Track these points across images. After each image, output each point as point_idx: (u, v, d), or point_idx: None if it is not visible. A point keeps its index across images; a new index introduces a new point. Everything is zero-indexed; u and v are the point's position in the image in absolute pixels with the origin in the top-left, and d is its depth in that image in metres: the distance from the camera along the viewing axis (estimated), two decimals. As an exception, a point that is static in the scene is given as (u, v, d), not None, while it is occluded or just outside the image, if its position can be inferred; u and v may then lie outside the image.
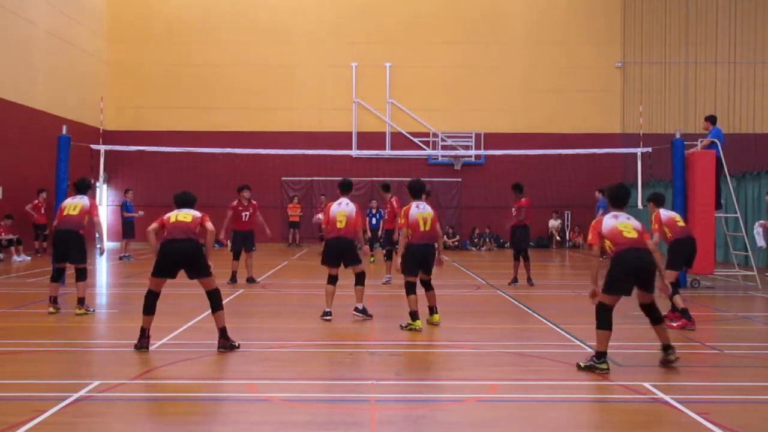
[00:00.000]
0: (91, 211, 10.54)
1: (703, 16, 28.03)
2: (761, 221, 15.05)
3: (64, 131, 14.51)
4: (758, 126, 27.58)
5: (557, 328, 9.45)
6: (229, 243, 15.05)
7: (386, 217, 15.12)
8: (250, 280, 14.41)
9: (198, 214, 8.34)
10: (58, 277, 10.63)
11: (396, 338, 8.83)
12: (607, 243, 7.43)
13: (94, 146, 16.83)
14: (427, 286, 9.69)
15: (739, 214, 15.05)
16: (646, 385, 6.52)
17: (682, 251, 10.09)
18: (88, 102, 25.65)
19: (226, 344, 7.98)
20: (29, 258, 19.54)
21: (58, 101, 23.66)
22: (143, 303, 8.06)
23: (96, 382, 6.48)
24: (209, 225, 8.28)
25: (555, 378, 6.95)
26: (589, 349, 8.09)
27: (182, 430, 5.41)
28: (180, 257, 8.00)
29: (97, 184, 19.47)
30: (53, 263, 11.21)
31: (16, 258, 19.26)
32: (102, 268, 17.86)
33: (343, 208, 10.27)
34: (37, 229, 21.00)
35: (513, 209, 14.84)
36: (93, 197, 11.00)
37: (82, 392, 6.16)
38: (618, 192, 7.70)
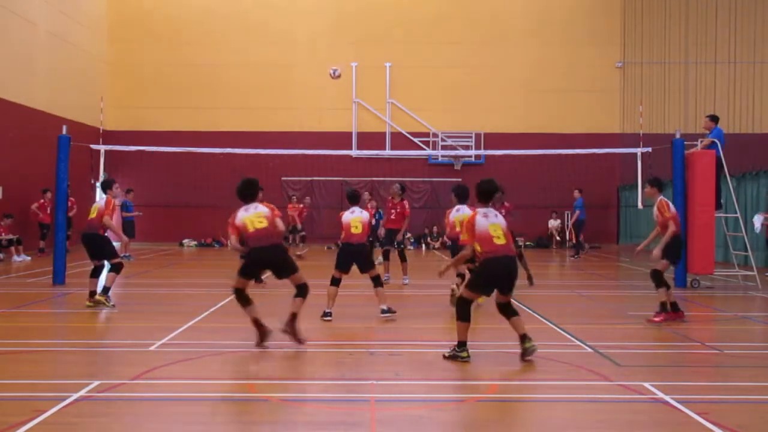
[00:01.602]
0: (103, 210, 10.99)
1: (703, 16, 28.03)
2: (762, 212, 15.15)
3: (64, 131, 14.51)
4: (758, 126, 27.58)
5: (557, 328, 9.45)
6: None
7: (393, 216, 15.05)
8: (258, 281, 14.40)
9: (268, 212, 8.34)
10: (95, 273, 11.15)
11: (396, 338, 8.83)
12: (476, 244, 7.62)
13: (94, 146, 16.84)
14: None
15: (739, 214, 15.05)
16: (646, 385, 6.52)
17: (679, 247, 10.21)
18: (88, 102, 25.65)
19: (289, 331, 8.16)
20: (29, 258, 19.54)
21: (58, 101, 23.66)
22: (238, 302, 8.23)
23: (96, 382, 6.48)
24: (280, 224, 8.35)
25: (555, 378, 6.95)
26: (589, 349, 8.11)
27: (182, 430, 5.41)
28: (268, 263, 8.37)
29: (97, 184, 19.45)
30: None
31: (16, 258, 19.26)
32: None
33: (357, 215, 10.53)
34: (43, 229, 21.03)
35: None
36: (115, 195, 11.57)
37: (82, 392, 6.16)
38: (486, 186, 7.92)
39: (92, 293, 10.92)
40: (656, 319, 9.79)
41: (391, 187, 15.57)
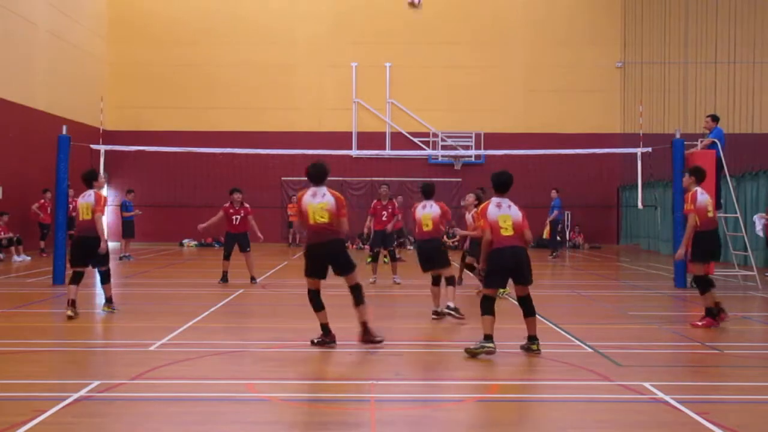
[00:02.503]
0: (95, 207, 10.21)
1: (703, 16, 28.03)
2: (761, 214, 15.11)
3: (64, 131, 14.51)
4: (758, 126, 27.59)
5: (557, 328, 9.45)
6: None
7: (385, 218, 15.06)
8: (253, 280, 14.43)
9: (333, 206, 8.10)
10: (77, 280, 10.14)
11: (396, 338, 8.82)
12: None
13: (94, 146, 16.85)
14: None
15: (739, 214, 15.04)
16: (646, 385, 6.52)
17: (705, 244, 9.54)
18: (88, 102, 25.65)
19: (367, 338, 8.11)
20: (29, 258, 19.53)
21: (58, 101, 23.66)
22: (310, 304, 8.20)
23: (96, 382, 6.48)
24: (344, 224, 8.14)
25: (555, 378, 6.95)
26: (589, 349, 8.10)
27: (182, 430, 5.41)
28: (325, 258, 8.09)
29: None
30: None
31: (16, 258, 19.26)
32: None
33: (428, 210, 10.28)
34: (43, 229, 21.03)
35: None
36: (101, 187, 10.76)
37: (82, 392, 6.16)
38: (500, 178, 8.11)
39: (74, 302, 9.96)
40: (699, 323, 9.37)
41: (380, 188, 15.69)
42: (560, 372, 7.16)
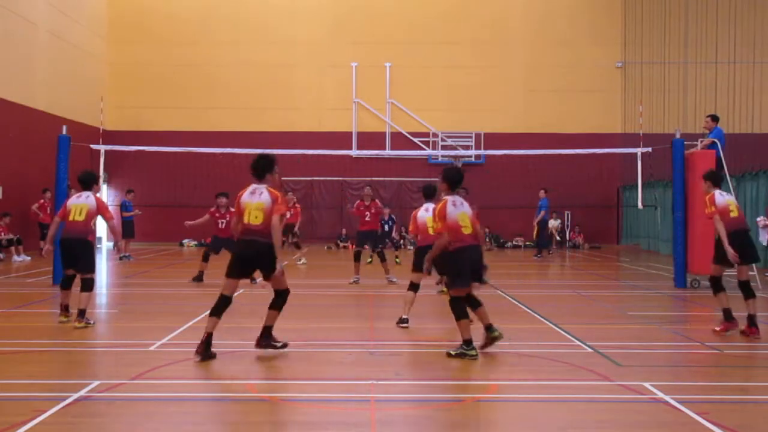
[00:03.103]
0: (102, 213, 9.66)
1: (703, 16, 28.03)
2: (762, 217, 15.07)
3: (64, 131, 14.51)
4: (758, 126, 27.58)
5: (557, 328, 9.45)
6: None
7: (368, 218, 15.08)
8: (252, 281, 14.43)
9: (268, 206, 7.51)
10: (67, 284, 9.77)
11: (396, 338, 8.83)
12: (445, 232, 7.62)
13: (94, 146, 16.85)
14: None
15: (739, 214, 15.01)
16: (646, 385, 6.52)
17: (732, 245, 9.03)
18: (88, 102, 25.65)
19: (265, 343, 7.74)
20: (29, 258, 19.53)
21: (58, 101, 23.66)
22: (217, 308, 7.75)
23: (96, 382, 6.48)
24: (276, 222, 7.49)
25: (555, 378, 6.95)
26: (589, 349, 8.10)
27: (182, 430, 5.41)
28: (251, 260, 7.61)
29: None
30: (61, 269, 10.87)
31: (16, 258, 19.26)
32: (102, 269, 17.86)
33: (431, 214, 9.32)
34: (43, 229, 21.01)
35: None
36: (98, 191, 10.26)
37: (82, 392, 6.16)
38: (457, 175, 8.03)
39: (67, 307, 9.69)
40: (718, 329, 9.19)
41: (363, 189, 15.79)
42: (560, 372, 7.16)
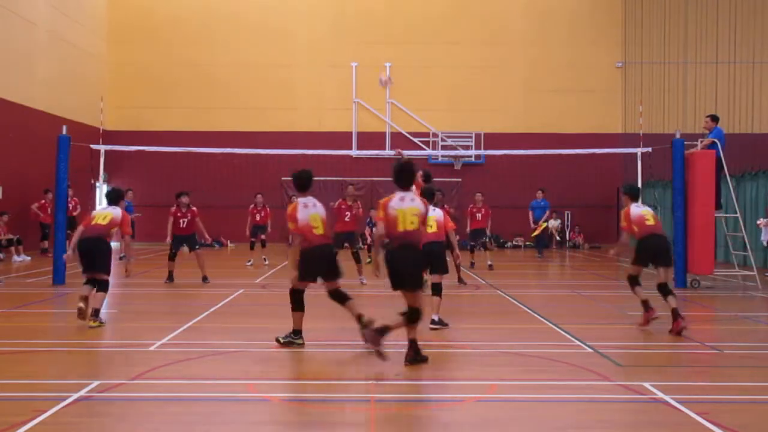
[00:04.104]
0: (123, 226, 9.87)
1: (702, 16, 28.03)
2: (763, 218, 15.07)
3: (64, 131, 14.51)
4: (758, 126, 27.58)
5: (557, 328, 9.45)
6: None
7: (348, 219, 14.70)
8: (205, 279, 14.50)
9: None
10: (91, 284, 9.63)
11: (396, 338, 8.82)
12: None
13: (94, 146, 16.85)
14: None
15: (739, 214, 15.04)
16: (646, 385, 6.52)
17: (646, 249, 9.54)
18: (88, 102, 25.64)
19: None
20: (29, 258, 19.53)
21: (58, 101, 23.65)
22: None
23: (96, 382, 6.48)
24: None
25: (555, 378, 6.95)
26: (589, 349, 8.10)
27: (182, 430, 5.41)
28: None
29: (97, 184, 19.47)
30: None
31: (16, 258, 19.26)
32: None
33: (431, 213, 9.41)
34: (44, 229, 21.03)
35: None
36: (124, 207, 10.35)
37: (82, 392, 6.16)
38: (298, 179, 8.40)
39: (86, 298, 9.49)
40: (641, 322, 9.55)
41: (346, 189, 15.46)
42: (560, 372, 7.16)
